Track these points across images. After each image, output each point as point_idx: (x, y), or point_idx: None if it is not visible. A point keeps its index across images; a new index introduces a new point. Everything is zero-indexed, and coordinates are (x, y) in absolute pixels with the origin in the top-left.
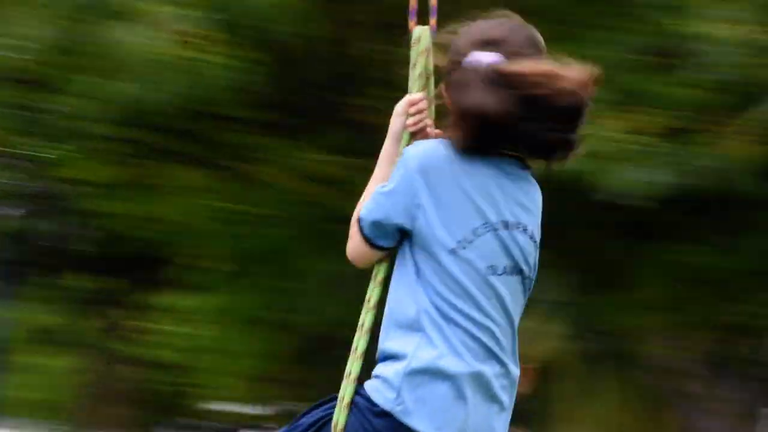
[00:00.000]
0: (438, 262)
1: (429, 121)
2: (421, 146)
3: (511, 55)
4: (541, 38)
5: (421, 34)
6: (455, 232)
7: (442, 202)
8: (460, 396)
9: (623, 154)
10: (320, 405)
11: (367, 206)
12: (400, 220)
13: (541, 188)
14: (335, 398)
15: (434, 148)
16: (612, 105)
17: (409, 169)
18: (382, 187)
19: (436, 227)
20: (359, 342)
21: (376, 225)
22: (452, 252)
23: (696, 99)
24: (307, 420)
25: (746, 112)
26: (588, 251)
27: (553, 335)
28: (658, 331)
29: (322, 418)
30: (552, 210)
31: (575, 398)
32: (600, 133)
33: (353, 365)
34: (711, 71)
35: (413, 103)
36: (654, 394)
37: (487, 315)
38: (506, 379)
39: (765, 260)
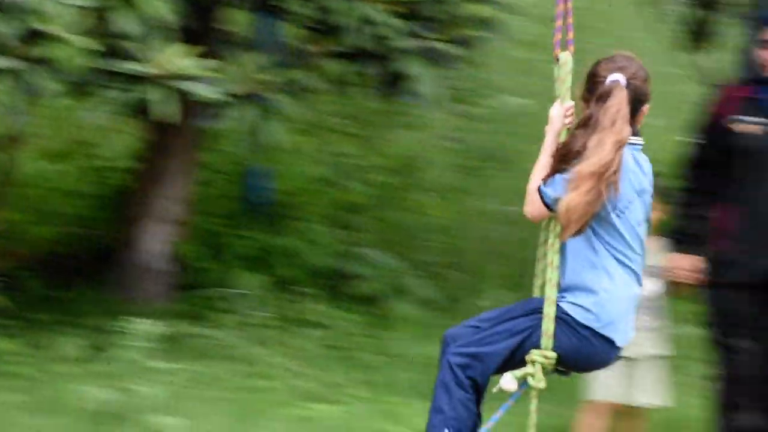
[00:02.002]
0: (608, 223)
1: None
2: None
3: (630, 77)
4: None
5: (567, 59)
6: (620, 202)
7: None
8: (628, 310)
9: None
10: (508, 319)
11: (551, 186)
12: None
13: None
14: (526, 314)
15: None
16: None
17: None
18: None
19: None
20: (552, 292)
21: (558, 200)
22: (618, 216)
23: None
24: (512, 326)
25: None
26: None
27: None
28: None
29: (529, 326)
30: None
31: None
32: None
33: (552, 295)
34: None
35: (568, 108)
36: None
37: (635, 252)
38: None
39: None
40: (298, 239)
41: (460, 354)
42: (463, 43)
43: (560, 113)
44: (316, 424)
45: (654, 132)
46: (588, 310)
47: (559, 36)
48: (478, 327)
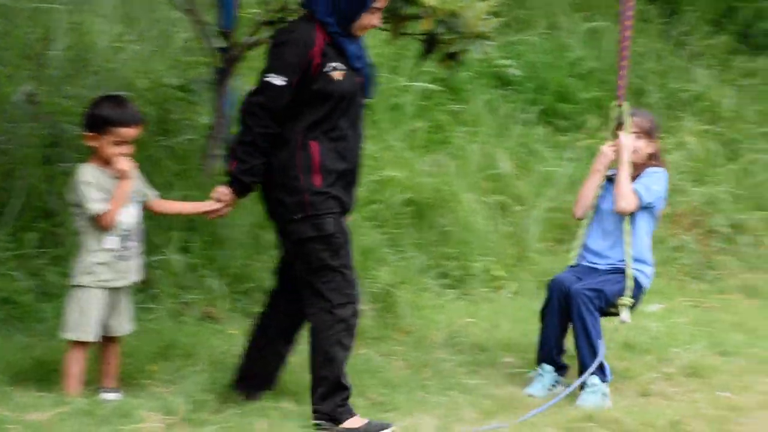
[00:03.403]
0: (656, 219)
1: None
2: (661, 170)
3: None
4: None
5: (626, 109)
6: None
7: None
8: None
9: None
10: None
11: (646, 192)
12: (659, 203)
13: None
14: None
15: (665, 173)
16: None
17: (666, 180)
18: (652, 185)
19: (663, 206)
20: (630, 261)
21: (649, 203)
22: (661, 214)
23: None
24: (612, 277)
25: None
26: None
27: None
28: None
29: (621, 280)
30: None
31: None
32: None
33: (630, 267)
34: None
35: (630, 140)
36: None
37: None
38: None
39: None
40: None
41: (590, 290)
42: None
43: (630, 141)
44: None
45: (134, 59)
46: (648, 276)
47: (622, 91)
48: (579, 278)
